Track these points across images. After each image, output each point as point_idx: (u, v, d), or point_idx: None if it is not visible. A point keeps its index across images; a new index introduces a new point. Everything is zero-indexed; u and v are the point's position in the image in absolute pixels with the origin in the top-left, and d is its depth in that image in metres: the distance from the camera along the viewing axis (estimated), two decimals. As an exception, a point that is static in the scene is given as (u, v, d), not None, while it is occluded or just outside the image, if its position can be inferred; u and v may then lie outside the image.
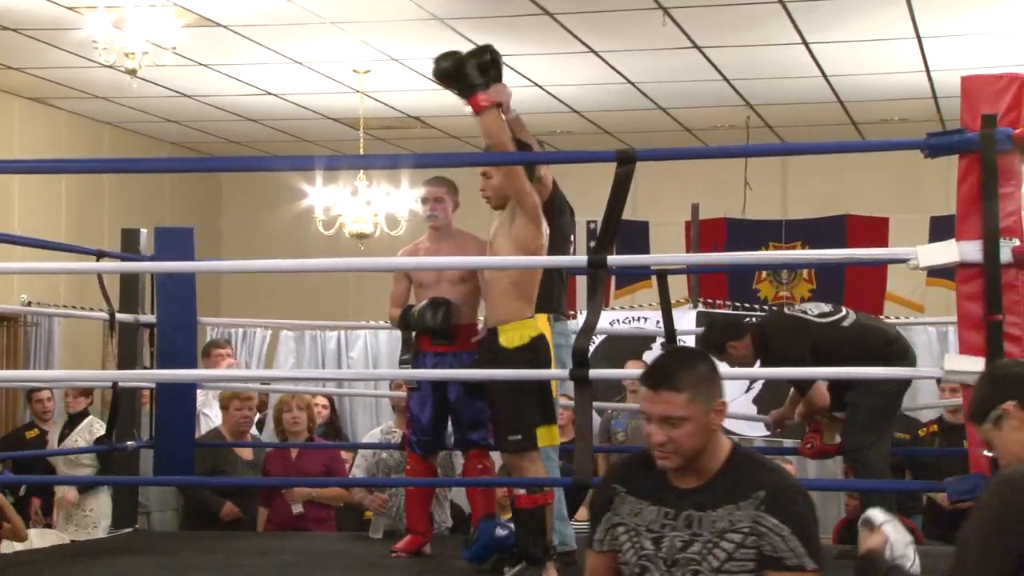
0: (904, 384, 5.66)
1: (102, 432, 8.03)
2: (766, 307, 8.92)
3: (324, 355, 9.79)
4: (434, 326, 5.44)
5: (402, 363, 5.61)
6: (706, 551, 2.86)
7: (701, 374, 2.96)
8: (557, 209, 5.29)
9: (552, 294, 5.29)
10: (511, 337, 4.89)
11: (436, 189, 5.64)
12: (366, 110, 10.60)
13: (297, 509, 6.96)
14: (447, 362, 5.50)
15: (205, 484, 6.95)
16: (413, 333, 5.60)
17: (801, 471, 8.16)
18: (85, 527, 7.94)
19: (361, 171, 10.46)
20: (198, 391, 7.68)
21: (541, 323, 4.97)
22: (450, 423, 5.59)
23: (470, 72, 4.78)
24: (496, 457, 5.66)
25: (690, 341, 8.64)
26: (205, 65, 9.68)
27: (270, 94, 10.66)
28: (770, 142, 11.91)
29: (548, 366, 4.86)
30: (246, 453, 7.20)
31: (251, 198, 13.50)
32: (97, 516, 7.93)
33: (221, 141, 12.61)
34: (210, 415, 8.00)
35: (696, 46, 9.09)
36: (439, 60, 4.84)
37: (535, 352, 4.87)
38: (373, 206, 10.60)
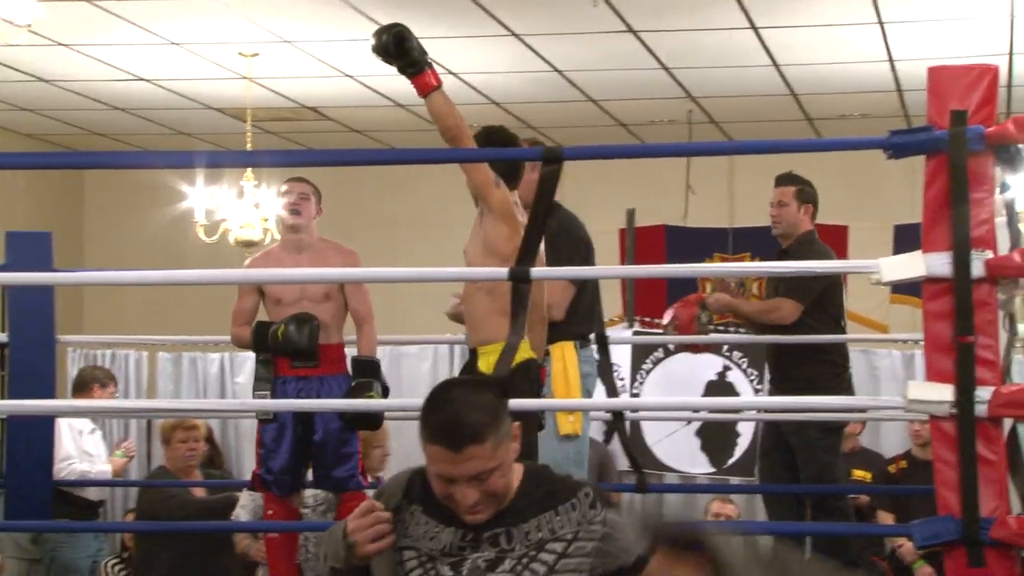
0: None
1: None
2: (710, 327, 8.98)
3: (206, 380, 9.70)
4: (303, 346, 5.46)
5: (259, 393, 5.60)
6: (521, 567, 2.89)
7: (493, 409, 2.91)
8: (562, 231, 5.30)
9: (578, 316, 5.32)
10: (491, 361, 4.80)
11: (301, 184, 5.73)
12: (254, 99, 10.53)
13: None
14: (312, 387, 5.55)
15: (58, 529, 6.90)
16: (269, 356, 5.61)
17: (748, 513, 8.23)
18: None
19: (248, 169, 10.40)
20: (70, 428, 7.66)
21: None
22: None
23: (415, 46, 4.77)
24: None
25: (624, 363, 8.74)
26: (67, 45, 9.57)
27: (142, 79, 10.56)
28: (715, 140, 12.00)
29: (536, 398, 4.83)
30: (200, 493, 7.22)
31: (120, 199, 13.35)
32: None
33: (85, 133, 12.46)
34: (92, 454, 7.95)
35: (632, 30, 9.16)
36: (378, 34, 4.80)
37: (521, 380, 4.75)
38: (262, 209, 10.53)
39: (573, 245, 5.41)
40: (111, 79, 10.51)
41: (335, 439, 5.53)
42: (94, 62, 10.02)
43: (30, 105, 11.43)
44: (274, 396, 5.56)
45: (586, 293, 5.45)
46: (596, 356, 5.60)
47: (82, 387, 8.28)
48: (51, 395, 6.63)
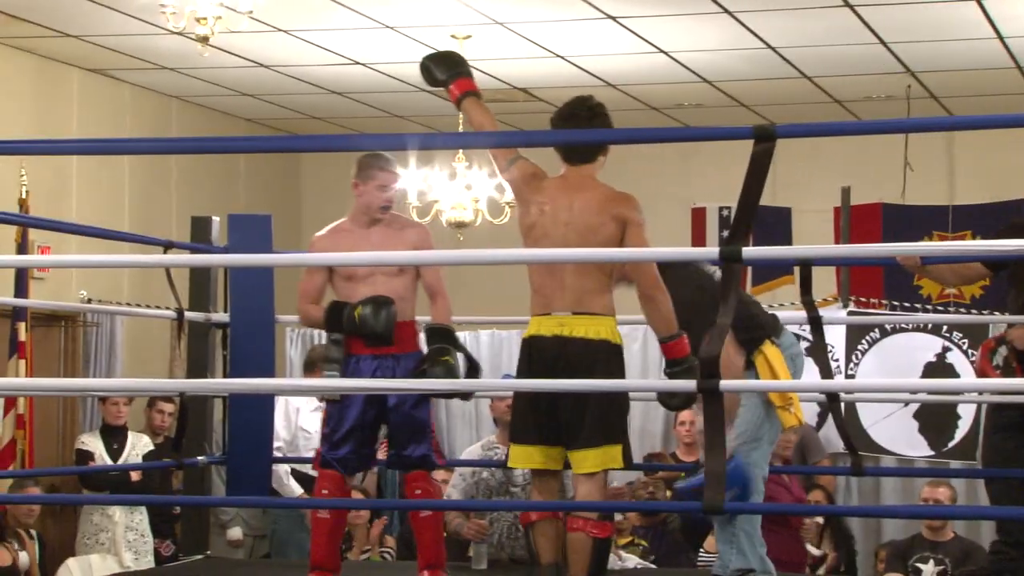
0: None
1: (149, 448, 8.37)
2: (928, 307, 8.76)
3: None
4: (379, 330, 5.46)
5: (328, 373, 5.61)
6: None
7: None
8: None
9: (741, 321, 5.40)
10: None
11: (398, 175, 5.76)
12: (466, 81, 10.62)
13: None
14: (388, 366, 5.51)
15: (280, 505, 7.06)
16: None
17: (969, 498, 8.02)
18: (142, 552, 8.21)
19: (460, 151, 10.51)
20: (285, 407, 7.85)
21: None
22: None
23: (439, 70, 5.59)
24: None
25: (839, 344, 8.60)
26: (285, 31, 9.80)
27: (357, 63, 10.75)
28: (934, 115, 11.72)
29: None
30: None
31: (336, 181, 13.58)
32: (151, 539, 8.28)
33: (302, 117, 12.75)
34: (310, 432, 8.15)
35: (848, 4, 8.99)
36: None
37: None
38: (474, 191, 10.63)
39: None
40: (328, 63, 10.73)
41: (409, 417, 5.52)
42: (311, 47, 10.24)
43: (250, 90, 11.74)
44: (344, 375, 5.57)
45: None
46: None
47: (309, 366, 8.48)
48: (270, 374, 6.81)
